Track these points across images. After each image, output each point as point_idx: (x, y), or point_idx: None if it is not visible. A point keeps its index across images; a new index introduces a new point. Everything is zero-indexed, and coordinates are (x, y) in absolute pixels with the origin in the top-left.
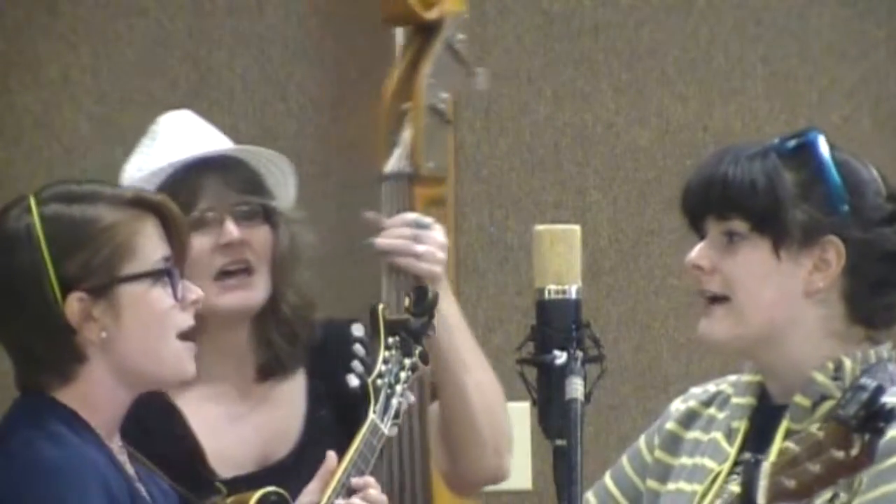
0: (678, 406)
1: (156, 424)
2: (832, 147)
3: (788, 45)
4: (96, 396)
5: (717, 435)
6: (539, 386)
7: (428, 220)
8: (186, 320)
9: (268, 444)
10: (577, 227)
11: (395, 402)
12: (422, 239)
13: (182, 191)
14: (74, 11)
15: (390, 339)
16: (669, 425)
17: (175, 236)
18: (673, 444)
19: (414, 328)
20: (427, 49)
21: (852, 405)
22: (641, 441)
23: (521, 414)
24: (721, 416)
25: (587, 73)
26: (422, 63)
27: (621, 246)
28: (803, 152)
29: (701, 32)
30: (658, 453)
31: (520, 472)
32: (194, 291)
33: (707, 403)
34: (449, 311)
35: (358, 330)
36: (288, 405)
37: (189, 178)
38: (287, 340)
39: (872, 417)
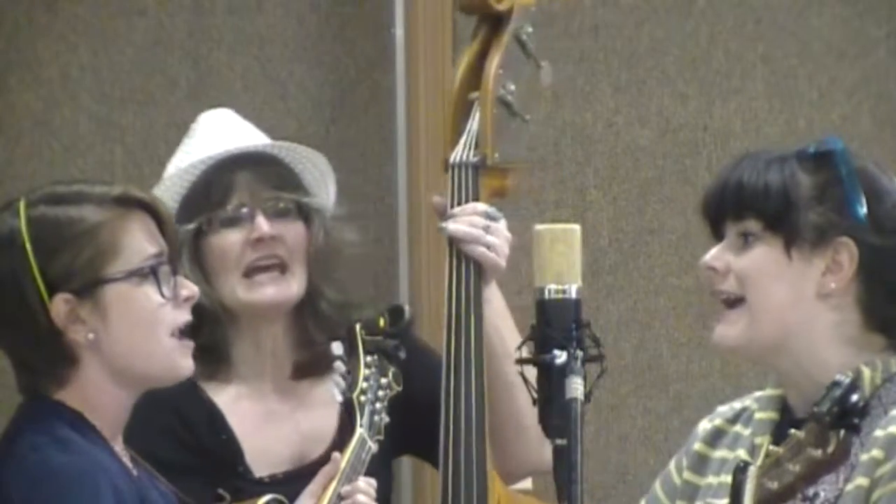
0: (705, 426)
1: (198, 421)
2: (854, 155)
3: (788, 44)
4: (95, 398)
5: (741, 452)
6: (539, 385)
7: (498, 212)
8: (180, 317)
9: (304, 443)
10: (577, 227)
11: (377, 418)
12: (492, 230)
13: (215, 187)
14: (74, 11)
15: (368, 358)
16: (697, 446)
17: (168, 233)
18: (700, 464)
19: (387, 349)
20: (496, 40)
21: (826, 402)
22: (672, 464)
23: None
24: (746, 432)
25: (587, 73)
26: (492, 53)
27: (621, 246)
28: (823, 157)
29: (701, 32)
30: (686, 474)
31: None
32: (188, 287)
33: (733, 421)
34: (498, 304)
35: (337, 348)
36: (324, 404)
37: (222, 174)
38: (326, 338)
39: (846, 414)
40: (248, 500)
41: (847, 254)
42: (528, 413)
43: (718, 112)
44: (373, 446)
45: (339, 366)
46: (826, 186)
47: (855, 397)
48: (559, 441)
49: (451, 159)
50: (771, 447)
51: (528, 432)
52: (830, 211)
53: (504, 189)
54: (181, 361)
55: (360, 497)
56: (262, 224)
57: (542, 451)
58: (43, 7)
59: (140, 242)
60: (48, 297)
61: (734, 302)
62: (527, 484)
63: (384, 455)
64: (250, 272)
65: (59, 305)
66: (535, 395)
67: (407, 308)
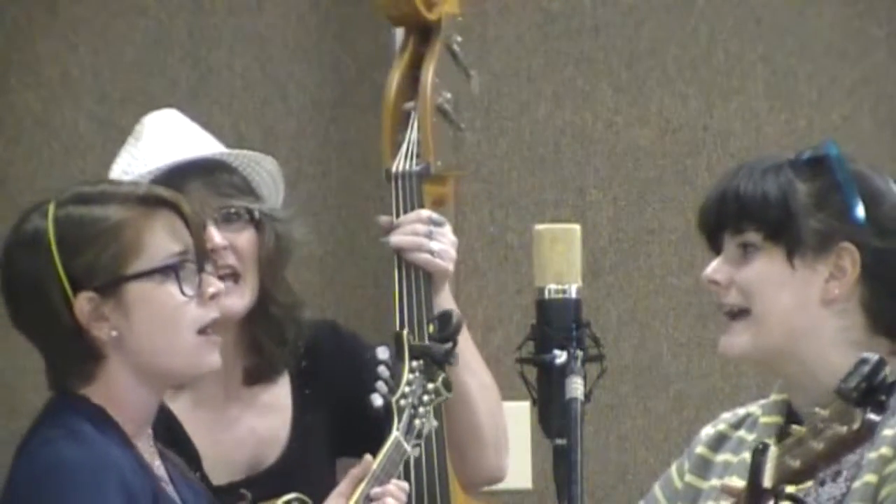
0: (707, 431)
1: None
2: (848, 159)
3: (788, 44)
4: (120, 394)
5: (746, 455)
6: (539, 385)
7: (442, 218)
8: (206, 315)
9: (258, 448)
10: (577, 227)
11: (417, 422)
12: (436, 236)
13: None
14: (74, 11)
15: (414, 363)
16: (699, 450)
17: (194, 231)
18: (703, 467)
19: (437, 355)
20: (429, 49)
21: (854, 378)
22: (673, 468)
23: (521, 413)
24: (751, 437)
25: (587, 73)
26: (426, 62)
27: (621, 246)
28: (818, 164)
29: (701, 32)
30: (688, 477)
31: (520, 471)
32: (213, 285)
33: (736, 426)
34: (450, 307)
35: (383, 353)
36: (275, 409)
37: (171, 183)
38: (276, 342)
39: (873, 391)
40: (268, 501)
41: (850, 259)
42: (487, 423)
43: (718, 112)
44: (409, 450)
45: (383, 370)
46: (824, 192)
47: (882, 374)
48: (559, 441)
49: (394, 169)
50: (794, 426)
51: (485, 442)
52: (830, 217)
53: (444, 197)
54: (207, 357)
55: (390, 500)
56: (214, 234)
57: (500, 461)
58: (43, 7)
59: (163, 240)
60: (72, 294)
61: (738, 314)
62: (527, 484)
63: (329, 457)
64: None
65: (83, 303)
66: (535, 395)
67: (455, 313)
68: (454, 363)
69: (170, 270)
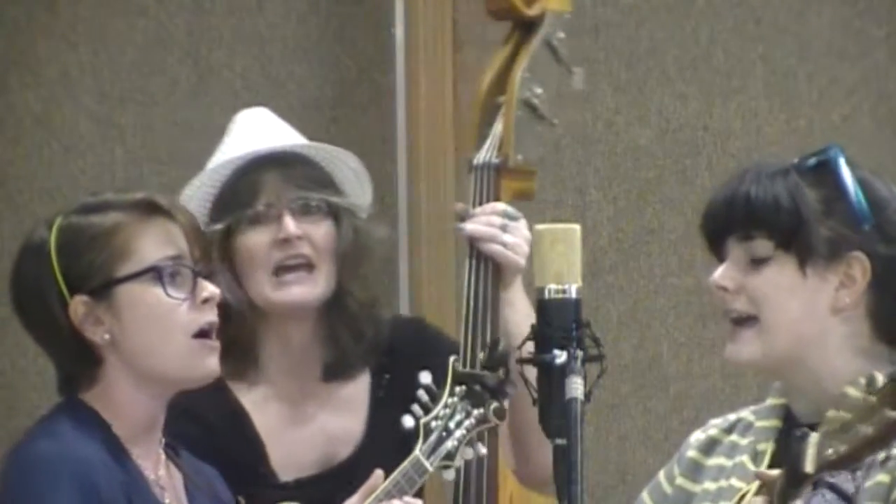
0: (698, 436)
1: (220, 423)
2: (851, 165)
3: (788, 44)
4: (117, 398)
5: (744, 458)
6: (539, 385)
7: (517, 212)
8: (201, 318)
9: (330, 445)
10: (577, 227)
11: (449, 444)
12: (510, 229)
13: (243, 187)
14: (74, 11)
15: (457, 388)
16: (690, 453)
17: (191, 239)
18: (694, 470)
19: (489, 384)
20: (524, 44)
21: None
22: (661, 474)
23: None
24: (744, 441)
25: (587, 73)
26: (518, 57)
27: (621, 245)
28: (823, 169)
29: (701, 32)
30: (679, 481)
31: None
32: (207, 289)
33: (728, 431)
34: (522, 307)
35: (425, 377)
36: (352, 406)
37: (249, 174)
38: (354, 338)
39: None
40: None
41: (860, 268)
42: None
43: (718, 112)
44: (431, 469)
45: (422, 394)
46: (832, 199)
47: None
48: (559, 441)
49: (474, 161)
50: (832, 412)
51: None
52: (840, 225)
53: (527, 191)
54: (203, 362)
55: None
56: (289, 224)
57: None
58: (43, 7)
59: (154, 245)
60: (69, 298)
61: (745, 320)
62: None
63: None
64: (278, 271)
65: (77, 306)
66: (535, 395)
67: (503, 342)
68: (509, 395)
69: (156, 272)
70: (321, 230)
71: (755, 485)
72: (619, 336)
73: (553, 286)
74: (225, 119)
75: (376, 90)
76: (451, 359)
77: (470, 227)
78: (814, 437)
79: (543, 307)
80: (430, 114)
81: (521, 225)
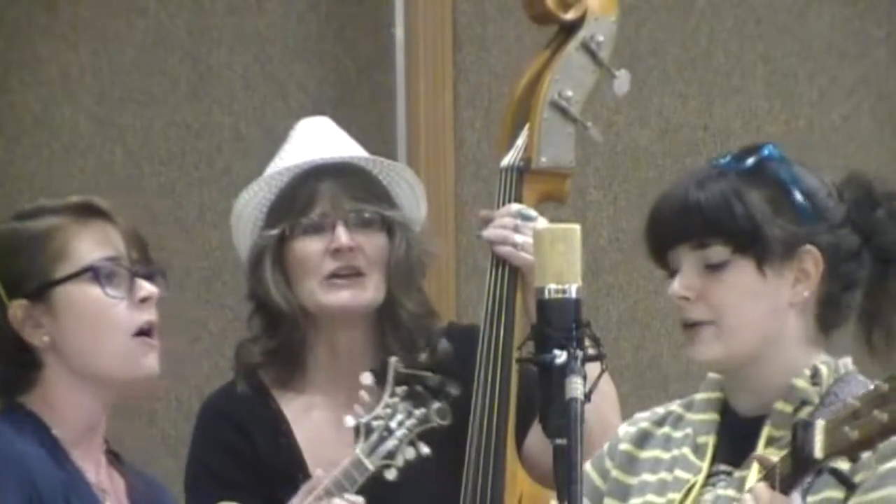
0: (627, 429)
1: (260, 431)
2: (781, 158)
3: (788, 44)
4: (58, 401)
5: (685, 451)
6: (539, 385)
7: (533, 212)
8: (139, 317)
9: None
10: (577, 227)
11: (390, 443)
12: (522, 229)
13: (299, 195)
14: (74, 11)
15: (398, 389)
16: (623, 446)
17: (129, 242)
18: (629, 463)
19: (431, 384)
20: (559, 47)
21: None
22: (588, 467)
23: None
24: (679, 434)
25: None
26: (550, 60)
27: (621, 245)
28: (761, 168)
29: (701, 32)
30: (614, 473)
31: None
32: (145, 289)
33: (659, 423)
34: None
35: (366, 378)
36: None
37: (307, 183)
38: (404, 347)
39: None
40: None
41: (812, 261)
42: (594, 432)
43: (718, 112)
44: (371, 468)
45: (363, 395)
46: (776, 198)
47: None
48: (559, 441)
49: (501, 164)
50: (780, 403)
51: (591, 443)
52: (788, 222)
53: (555, 193)
54: (142, 360)
55: None
56: (342, 234)
57: None
58: (43, 7)
59: (90, 246)
60: (7, 303)
61: (700, 323)
62: None
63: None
64: (329, 278)
65: (16, 310)
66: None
67: (445, 343)
68: (448, 398)
69: (93, 272)
70: (374, 242)
71: (701, 478)
72: (619, 336)
73: (553, 286)
74: (225, 119)
75: (376, 90)
76: (392, 359)
77: (486, 231)
78: (821, 424)
79: (543, 307)
80: (430, 114)
81: (537, 224)
